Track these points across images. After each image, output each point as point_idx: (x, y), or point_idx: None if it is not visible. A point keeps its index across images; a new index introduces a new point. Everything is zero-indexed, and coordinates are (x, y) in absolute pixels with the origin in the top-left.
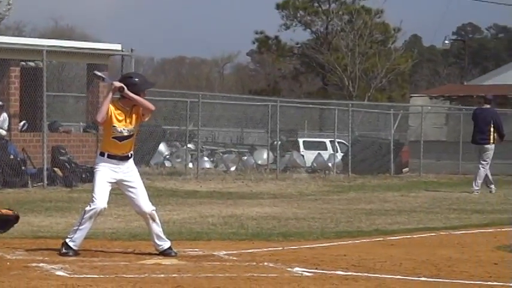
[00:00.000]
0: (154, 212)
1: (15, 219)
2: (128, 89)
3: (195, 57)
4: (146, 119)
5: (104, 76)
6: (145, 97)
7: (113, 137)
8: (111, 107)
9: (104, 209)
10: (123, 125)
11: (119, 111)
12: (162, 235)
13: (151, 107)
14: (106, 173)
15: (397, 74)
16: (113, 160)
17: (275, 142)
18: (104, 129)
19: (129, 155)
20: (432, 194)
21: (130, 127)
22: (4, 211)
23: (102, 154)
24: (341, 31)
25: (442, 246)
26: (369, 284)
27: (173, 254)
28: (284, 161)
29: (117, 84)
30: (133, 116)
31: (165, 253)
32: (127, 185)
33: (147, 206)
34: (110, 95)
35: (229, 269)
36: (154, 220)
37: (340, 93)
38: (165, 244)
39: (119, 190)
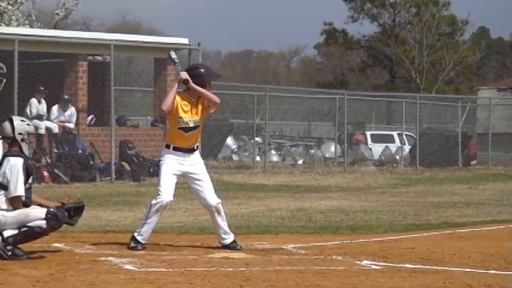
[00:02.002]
0: (220, 205)
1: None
2: (193, 80)
3: (262, 51)
4: (212, 111)
5: (176, 61)
6: (212, 91)
7: (179, 128)
8: (178, 98)
9: (169, 202)
10: (189, 116)
11: (185, 102)
12: (226, 229)
13: (216, 99)
14: (171, 166)
15: (465, 67)
16: (178, 152)
17: (342, 135)
18: (170, 120)
19: (195, 147)
20: (500, 187)
21: (196, 118)
22: (71, 200)
23: (167, 146)
24: (408, 23)
25: (510, 239)
26: (437, 277)
27: (238, 247)
28: (352, 153)
29: (183, 75)
30: (199, 107)
31: (229, 247)
32: (193, 178)
33: (212, 199)
34: (176, 85)
35: (297, 262)
36: (219, 213)
37: (407, 85)
38: (230, 238)
39: (186, 184)
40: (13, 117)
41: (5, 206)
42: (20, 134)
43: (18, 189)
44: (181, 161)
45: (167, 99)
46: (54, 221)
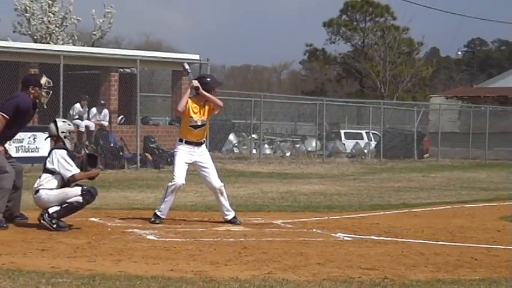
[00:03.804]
0: (223, 188)
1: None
2: (201, 87)
3: (258, 65)
4: (216, 113)
5: (189, 71)
6: (218, 96)
7: (190, 126)
8: (189, 102)
9: (182, 185)
10: (197, 116)
11: (195, 105)
12: (228, 207)
13: (220, 103)
14: (184, 155)
15: (420, 79)
16: (189, 145)
17: (321, 133)
18: (183, 119)
19: (202, 141)
20: (448, 175)
21: (203, 118)
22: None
23: (180, 140)
24: (375, 44)
25: (455, 217)
26: (397, 246)
27: (238, 222)
28: (329, 147)
29: (195, 83)
30: (206, 109)
31: (231, 221)
32: (201, 166)
33: (217, 182)
34: (188, 91)
35: (285, 234)
36: (222, 194)
37: (374, 94)
38: (231, 214)
39: (196, 172)
40: (56, 119)
41: (50, 186)
42: (62, 132)
43: (73, 169)
44: (191, 152)
45: (182, 102)
46: (88, 196)
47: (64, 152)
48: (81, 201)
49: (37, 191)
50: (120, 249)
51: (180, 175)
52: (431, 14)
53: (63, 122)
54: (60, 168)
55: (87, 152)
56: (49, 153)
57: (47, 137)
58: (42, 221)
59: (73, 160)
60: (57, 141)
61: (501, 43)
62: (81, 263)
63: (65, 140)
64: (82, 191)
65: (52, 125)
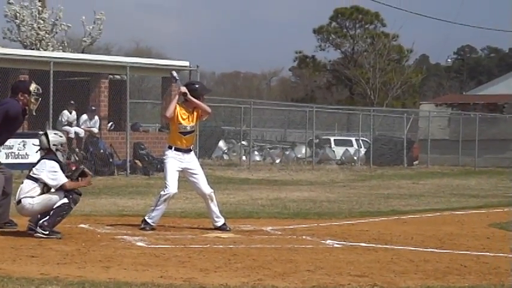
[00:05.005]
0: (212, 194)
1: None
2: (190, 93)
3: (248, 72)
4: (205, 119)
5: (177, 78)
6: (208, 104)
7: (179, 132)
8: (178, 108)
9: (175, 194)
10: (186, 122)
11: (183, 111)
12: (218, 213)
13: (208, 109)
14: (174, 163)
15: (409, 86)
16: (178, 152)
17: (311, 140)
18: (171, 126)
19: (191, 148)
20: (437, 182)
21: (192, 124)
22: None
23: (170, 147)
24: (365, 51)
25: (445, 224)
26: (386, 253)
27: (228, 229)
28: (319, 154)
29: (183, 89)
30: (194, 115)
31: (220, 228)
32: (190, 172)
33: (206, 189)
34: (177, 97)
35: (274, 241)
36: (212, 200)
37: (363, 101)
38: (221, 221)
39: (185, 178)
40: (48, 131)
41: (32, 194)
42: (54, 145)
43: (62, 178)
44: (181, 159)
45: (170, 108)
46: (72, 195)
47: (54, 163)
48: (67, 201)
49: (19, 201)
50: (110, 256)
51: (172, 184)
52: (421, 21)
53: (55, 134)
54: (49, 178)
55: (80, 167)
56: (38, 161)
57: (38, 150)
58: (35, 234)
59: (63, 172)
60: (48, 153)
61: (491, 50)
62: (70, 269)
63: (57, 152)
64: (65, 191)
65: (43, 138)
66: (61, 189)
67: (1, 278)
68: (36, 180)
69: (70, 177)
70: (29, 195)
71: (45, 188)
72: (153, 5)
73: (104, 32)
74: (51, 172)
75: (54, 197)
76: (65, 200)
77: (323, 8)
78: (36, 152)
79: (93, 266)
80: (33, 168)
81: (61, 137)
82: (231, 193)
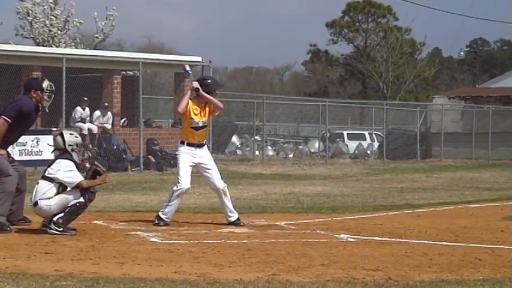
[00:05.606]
0: (226, 189)
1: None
2: (202, 89)
3: (261, 67)
4: (217, 114)
5: (190, 73)
6: (219, 98)
7: (191, 127)
8: (190, 103)
9: (188, 189)
10: (198, 118)
11: (195, 107)
12: (232, 208)
13: (220, 104)
14: (187, 158)
15: (422, 79)
16: (191, 147)
17: (324, 134)
18: (184, 121)
19: (204, 143)
20: (451, 175)
21: (204, 119)
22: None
23: (182, 142)
24: (377, 45)
25: (459, 217)
26: (400, 247)
27: (241, 224)
28: (332, 149)
29: (195, 84)
30: (207, 110)
31: (234, 223)
32: (204, 167)
33: (220, 183)
34: (189, 92)
35: (288, 235)
36: (226, 195)
37: (376, 94)
38: (234, 216)
39: (199, 173)
40: (63, 131)
41: (49, 195)
42: (70, 145)
43: (78, 177)
44: (193, 154)
45: (182, 103)
46: (88, 194)
47: (70, 162)
48: (82, 200)
49: (36, 203)
50: (124, 251)
51: (185, 179)
52: (433, 14)
53: (70, 134)
54: (65, 177)
55: (93, 165)
56: (53, 161)
57: (54, 150)
58: (49, 230)
59: (79, 171)
60: (63, 154)
61: (503, 43)
62: (84, 265)
63: (72, 153)
64: (81, 190)
65: (59, 138)
66: (77, 188)
67: (16, 275)
68: (51, 180)
69: (84, 177)
70: (46, 196)
71: (61, 188)
72: (165, 0)
73: (116, 28)
74: (67, 171)
75: (71, 197)
76: (81, 199)
77: (335, 1)
78: (52, 152)
79: (107, 262)
80: (48, 168)
81: (76, 137)
82: (244, 188)
